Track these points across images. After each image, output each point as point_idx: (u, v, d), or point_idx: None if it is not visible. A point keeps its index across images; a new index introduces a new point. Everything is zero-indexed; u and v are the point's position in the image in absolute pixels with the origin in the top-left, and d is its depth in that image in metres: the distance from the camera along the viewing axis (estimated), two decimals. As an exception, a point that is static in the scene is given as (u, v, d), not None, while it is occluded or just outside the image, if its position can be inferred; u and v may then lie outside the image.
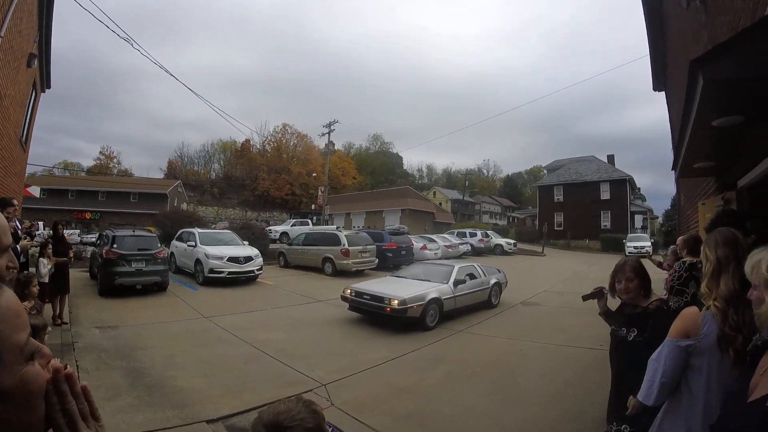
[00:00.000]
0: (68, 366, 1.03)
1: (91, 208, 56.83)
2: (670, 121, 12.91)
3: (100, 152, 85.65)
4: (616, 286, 3.61)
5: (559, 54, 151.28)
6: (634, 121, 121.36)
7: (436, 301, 10.97)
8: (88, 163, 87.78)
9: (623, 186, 52.41)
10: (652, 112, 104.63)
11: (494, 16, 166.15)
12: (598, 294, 4.01)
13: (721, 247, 2.40)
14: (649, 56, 13.22)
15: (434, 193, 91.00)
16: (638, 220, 51.75)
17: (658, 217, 53.96)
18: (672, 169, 8.88)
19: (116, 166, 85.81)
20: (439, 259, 23.43)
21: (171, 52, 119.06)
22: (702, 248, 2.61)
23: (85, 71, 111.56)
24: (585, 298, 4.12)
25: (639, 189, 59.27)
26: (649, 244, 36.42)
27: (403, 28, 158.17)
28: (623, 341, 3.56)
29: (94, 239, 28.69)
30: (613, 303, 3.90)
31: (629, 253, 32.75)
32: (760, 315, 1.74)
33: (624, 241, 39.46)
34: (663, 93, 14.11)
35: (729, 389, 1.97)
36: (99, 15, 13.71)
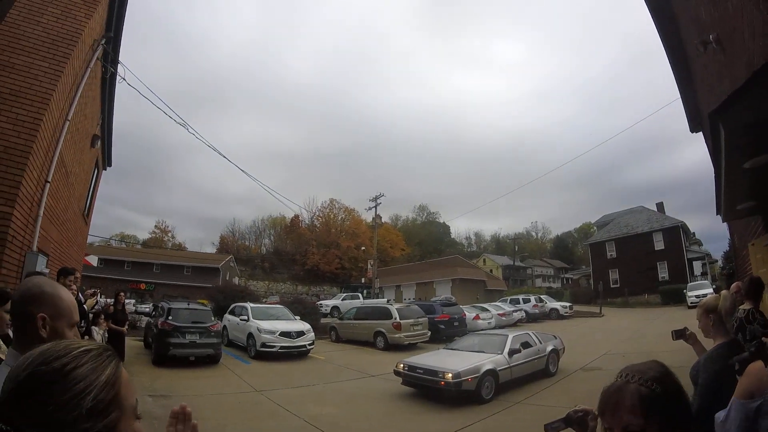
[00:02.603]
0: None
1: (146, 279, 58.28)
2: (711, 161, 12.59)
3: (156, 226, 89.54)
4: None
5: (594, 107, 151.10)
6: (678, 164, 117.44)
7: (492, 373, 10.61)
8: (143, 235, 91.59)
9: (676, 233, 50.58)
10: (696, 153, 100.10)
11: (528, 77, 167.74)
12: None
13: None
14: (680, 99, 13.08)
15: (484, 260, 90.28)
16: (697, 266, 49.28)
17: (717, 261, 51.62)
18: (717, 214, 8.62)
19: (170, 239, 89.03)
20: (493, 328, 22.94)
21: (222, 126, 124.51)
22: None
23: (143, 147, 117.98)
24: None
25: (694, 234, 57.32)
26: (711, 290, 34.49)
27: (441, 96, 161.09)
28: None
29: (148, 309, 29.28)
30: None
31: (692, 303, 31.20)
32: None
33: (684, 291, 37.22)
34: (701, 133, 13.82)
35: None
36: (157, 101, 14.41)
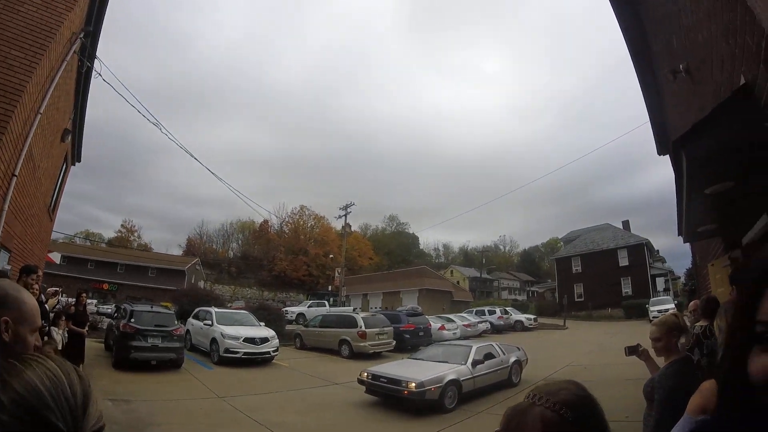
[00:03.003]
0: None
1: (110, 280, 56.93)
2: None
3: (122, 225, 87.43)
4: None
5: (567, 124, 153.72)
6: (645, 183, 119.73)
7: (455, 383, 10.70)
8: (109, 234, 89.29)
9: (641, 250, 52.18)
10: (662, 173, 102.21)
11: (504, 92, 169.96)
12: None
13: (734, 307, 2.36)
14: (650, 123, 13.39)
15: (451, 271, 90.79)
16: (660, 282, 50.91)
17: (680, 277, 52.96)
18: (678, 235, 8.88)
19: (136, 239, 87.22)
20: (458, 339, 23.09)
21: (199, 127, 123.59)
22: (716, 318, 2.57)
23: (114, 144, 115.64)
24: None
25: (658, 251, 58.90)
26: (673, 306, 35.09)
27: (417, 107, 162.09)
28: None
29: (110, 310, 28.72)
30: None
31: (653, 317, 31.82)
32: None
33: (647, 306, 38.09)
34: (668, 156, 14.12)
35: None
36: (131, 99, 14.23)
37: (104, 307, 39.08)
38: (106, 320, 21.60)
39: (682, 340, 3.70)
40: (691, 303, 6.53)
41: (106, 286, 55.71)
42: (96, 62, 12.51)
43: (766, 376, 0.81)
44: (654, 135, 13.64)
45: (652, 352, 3.91)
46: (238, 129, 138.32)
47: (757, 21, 2.58)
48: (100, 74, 12.61)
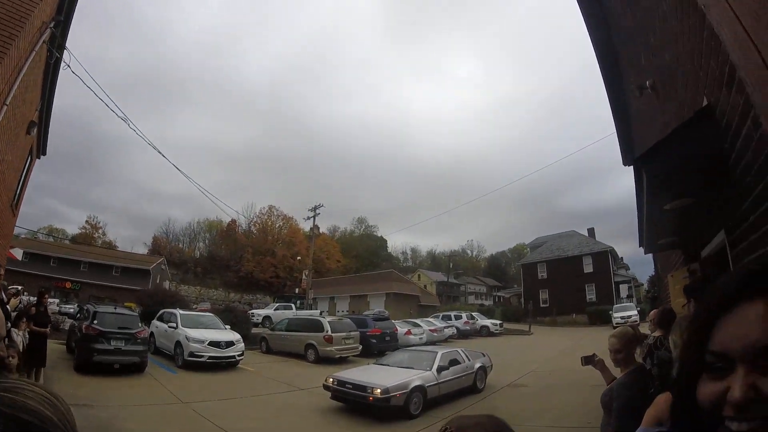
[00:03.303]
0: None
1: (72, 278, 55.19)
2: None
3: (87, 221, 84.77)
4: None
5: (537, 130, 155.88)
6: (611, 192, 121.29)
7: (420, 389, 10.78)
8: (73, 230, 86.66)
9: (605, 257, 53.47)
10: (628, 182, 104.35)
11: (475, 98, 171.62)
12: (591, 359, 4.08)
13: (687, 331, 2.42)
14: (616, 134, 13.66)
15: (419, 275, 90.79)
16: (623, 289, 51.91)
17: (643, 285, 54.36)
18: (639, 246, 9.08)
19: (101, 236, 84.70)
20: (424, 344, 23.37)
21: (169, 122, 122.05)
22: (671, 334, 2.63)
23: (79, 136, 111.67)
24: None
25: (622, 258, 60.16)
26: (636, 312, 35.83)
27: (388, 110, 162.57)
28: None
29: (72, 310, 28.11)
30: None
31: (617, 324, 32.37)
32: None
33: (610, 312, 39.03)
34: (632, 167, 14.38)
35: None
36: (100, 92, 13.94)
37: (66, 306, 38.00)
38: (68, 321, 21.14)
39: (638, 350, 3.81)
40: (651, 312, 6.71)
41: (68, 285, 54.12)
42: (65, 53, 12.26)
43: (711, 403, 0.84)
44: (620, 145, 13.90)
45: (608, 362, 4.01)
46: (208, 125, 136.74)
47: (722, 47, 2.64)
48: (68, 66, 12.33)
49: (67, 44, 12.29)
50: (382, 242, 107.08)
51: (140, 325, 15.35)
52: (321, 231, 63.54)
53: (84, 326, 14.02)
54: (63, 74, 13.15)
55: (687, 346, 0.96)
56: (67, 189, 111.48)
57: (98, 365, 13.38)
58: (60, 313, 31.25)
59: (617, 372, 3.87)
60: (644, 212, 4.70)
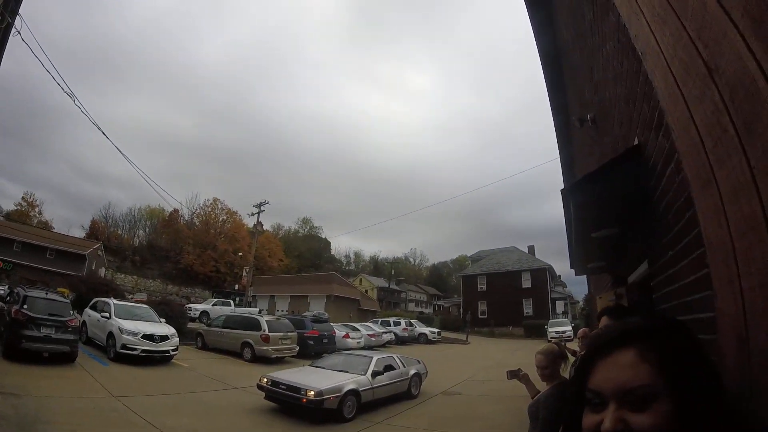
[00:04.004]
0: None
1: (3, 257, 52.05)
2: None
3: (23, 198, 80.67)
4: None
5: (486, 147, 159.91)
6: (552, 211, 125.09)
7: (354, 393, 10.93)
8: (8, 206, 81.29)
9: (543, 274, 55.82)
10: None
11: (429, 110, 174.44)
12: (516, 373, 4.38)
13: (572, 369, 2.68)
14: (559, 159, 14.19)
15: (360, 280, 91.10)
16: (559, 305, 54.33)
17: (578, 302, 56.40)
18: (571, 267, 9.53)
19: (37, 215, 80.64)
20: (362, 348, 23.57)
21: (114, 98, 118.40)
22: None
23: (24, 107, 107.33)
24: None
25: (560, 276, 62.31)
26: (570, 328, 37.05)
27: (341, 112, 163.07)
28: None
29: (1, 292, 26.98)
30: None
31: (551, 338, 33.35)
32: None
33: (546, 326, 40.52)
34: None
35: None
36: (48, 64, 13.43)
37: (-5, 287, 36.43)
38: None
39: (563, 365, 4.10)
40: (580, 331, 7.07)
41: (0, 264, 51.83)
42: (17, 19, 11.90)
43: None
44: (562, 170, 14.42)
45: (533, 376, 4.29)
46: (157, 108, 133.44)
47: (654, 92, 2.87)
48: (19, 32, 11.97)
49: (22, 11, 11.96)
50: (326, 244, 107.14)
51: (72, 313, 14.91)
52: (264, 228, 62.98)
53: (13, 311, 13.52)
54: (13, 40, 12.75)
55: (571, 383, 1.15)
56: (6, 161, 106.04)
57: (27, 353, 12.93)
58: (-11, 293, 29.92)
59: (542, 386, 4.16)
60: (572, 240, 4.98)
